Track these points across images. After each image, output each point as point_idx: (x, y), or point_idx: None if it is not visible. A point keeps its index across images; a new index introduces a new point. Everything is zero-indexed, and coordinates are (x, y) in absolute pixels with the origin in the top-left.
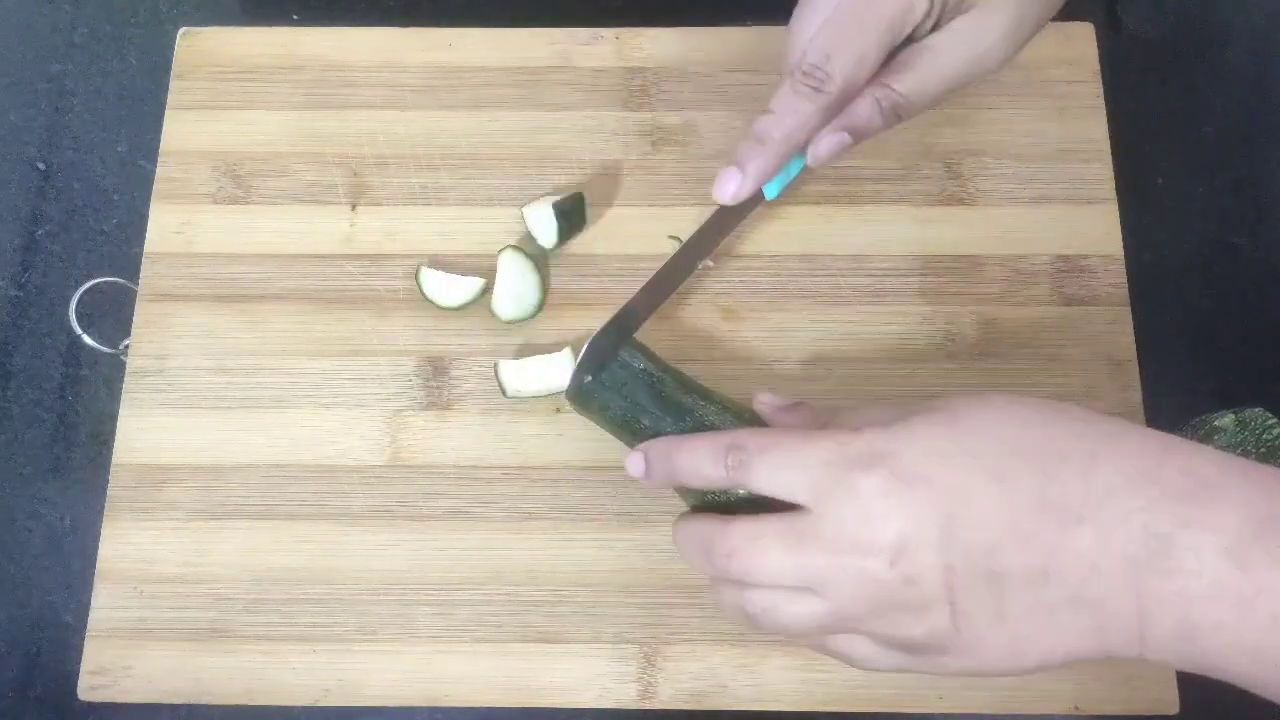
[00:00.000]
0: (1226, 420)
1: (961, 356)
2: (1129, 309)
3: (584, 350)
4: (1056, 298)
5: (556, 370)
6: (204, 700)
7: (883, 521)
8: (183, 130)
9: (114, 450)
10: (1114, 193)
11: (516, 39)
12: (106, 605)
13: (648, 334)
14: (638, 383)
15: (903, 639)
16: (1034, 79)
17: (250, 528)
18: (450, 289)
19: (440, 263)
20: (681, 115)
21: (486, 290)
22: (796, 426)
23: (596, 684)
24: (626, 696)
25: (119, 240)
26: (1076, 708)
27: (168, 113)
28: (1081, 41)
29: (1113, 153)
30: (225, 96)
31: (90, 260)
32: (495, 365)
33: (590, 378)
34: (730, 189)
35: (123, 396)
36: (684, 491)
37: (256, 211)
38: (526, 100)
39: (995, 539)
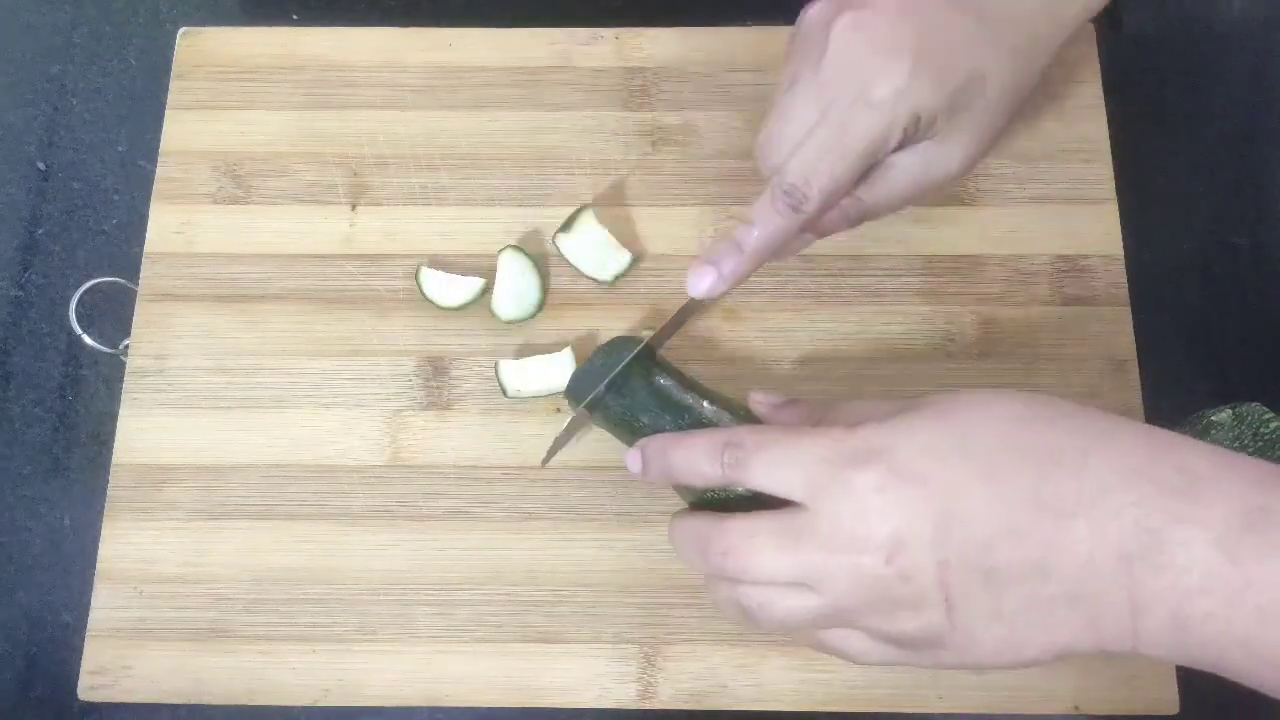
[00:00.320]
0: (1224, 415)
1: (961, 356)
2: (1129, 309)
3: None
4: (1056, 298)
5: (557, 370)
6: (204, 700)
7: (878, 518)
8: (183, 130)
9: (114, 450)
10: (1114, 193)
11: (516, 39)
12: (106, 605)
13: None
14: (637, 382)
15: (898, 634)
16: None
17: (250, 528)
18: (450, 289)
19: (440, 263)
20: (681, 115)
21: (486, 290)
22: (793, 423)
23: (596, 684)
24: (626, 696)
25: (119, 240)
26: (1076, 707)
27: (168, 113)
28: (1081, 41)
29: (1113, 153)
30: (225, 96)
31: (90, 260)
32: (496, 365)
33: (606, 392)
34: (704, 285)
35: (123, 396)
36: (682, 489)
37: (256, 211)
38: (526, 100)
39: (990, 535)
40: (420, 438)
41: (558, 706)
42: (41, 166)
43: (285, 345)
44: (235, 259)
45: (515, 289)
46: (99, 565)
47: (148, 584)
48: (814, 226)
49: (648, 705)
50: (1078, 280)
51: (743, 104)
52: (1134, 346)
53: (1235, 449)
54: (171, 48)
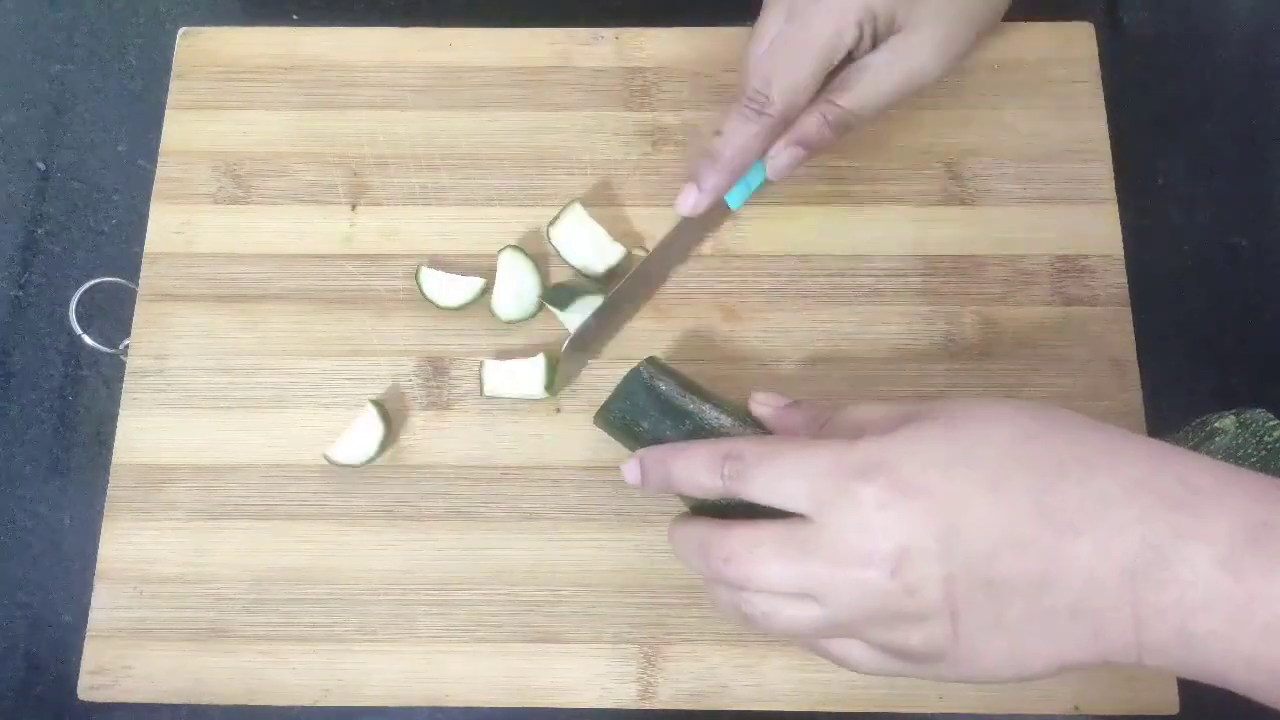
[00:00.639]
0: (1227, 422)
1: (961, 356)
2: (1129, 309)
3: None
4: (1057, 298)
5: (528, 376)
6: (204, 700)
7: (883, 532)
8: (183, 130)
9: (114, 450)
10: (1114, 193)
11: (516, 39)
12: (106, 605)
13: (647, 334)
14: (637, 385)
15: (901, 646)
16: (1034, 79)
17: (250, 528)
18: (450, 289)
19: (440, 263)
20: (681, 115)
21: (486, 290)
22: (797, 427)
23: (596, 684)
24: (626, 696)
25: (119, 240)
26: (1076, 708)
27: (168, 113)
28: (1081, 41)
29: (1113, 153)
30: (225, 96)
31: (90, 260)
32: (481, 364)
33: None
34: (689, 202)
35: (123, 396)
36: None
37: (256, 211)
38: (526, 100)
39: (994, 547)
40: (420, 438)
41: (558, 706)
42: (41, 166)
43: (285, 345)
44: (235, 259)
45: (515, 289)
46: (99, 565)
47: (148, 584)
48: (800, 139)
49: (648, 705)
50: (1078, 280)
51: None
52: (1134, 347)
53: (1238, 456)
54: (171, 48)
